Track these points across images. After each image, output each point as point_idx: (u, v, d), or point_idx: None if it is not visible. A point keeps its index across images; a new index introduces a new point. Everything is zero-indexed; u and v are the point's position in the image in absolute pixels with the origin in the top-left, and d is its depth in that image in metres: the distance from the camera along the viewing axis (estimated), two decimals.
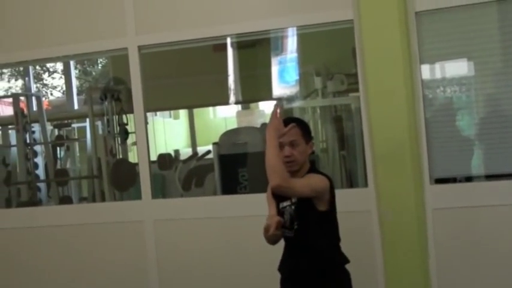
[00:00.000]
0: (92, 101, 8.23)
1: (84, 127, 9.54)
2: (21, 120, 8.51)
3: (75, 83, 10.85)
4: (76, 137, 10.59)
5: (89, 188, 8.58)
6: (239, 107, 13.33)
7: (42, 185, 8.98)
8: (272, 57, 8.07)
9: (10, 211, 7.29)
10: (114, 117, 8.07)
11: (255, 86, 9.07)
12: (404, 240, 5.04)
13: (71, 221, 6.12)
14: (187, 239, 5.78)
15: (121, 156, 8.17)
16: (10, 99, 9.11)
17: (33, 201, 8.47)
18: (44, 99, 11.03)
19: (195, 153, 9.81)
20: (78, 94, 11.00)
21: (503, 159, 5.15)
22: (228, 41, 7.09)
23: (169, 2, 5.82)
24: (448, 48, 5.26)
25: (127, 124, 8.12)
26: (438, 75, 5.39)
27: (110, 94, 8.02)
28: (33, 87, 10.60)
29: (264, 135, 3.72)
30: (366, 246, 5.23)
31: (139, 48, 5.90)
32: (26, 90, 10.22)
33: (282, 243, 4.00)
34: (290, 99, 7.98)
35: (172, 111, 16.01)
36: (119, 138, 8.16)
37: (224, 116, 15.71)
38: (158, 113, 14.03)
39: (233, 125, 12.04)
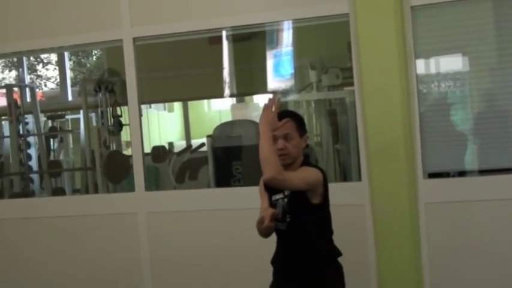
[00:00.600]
0: (86, 92, 8.21)
1: (78, 119, 9.50)
2: (14, 111, 8.49)
3: (69, 74, 10.84)
4: (70, 128, 10.56)
5: (82, 179, 8.56)
6: (234, 100, 13.31)
7: (35, 177, 8.96)
8: (267, 50, 8.06)
9: (3, 202, 7.27)
10: (108, 109, 8.04)
11: (250, 79, 9.06)
12: (397, 234, 5.05)
13: (64, 212, 6.11)
14: (180, 231, 5.78)
15: (115, 148, 8.15)
16: (3, 90, 9.06)
17: (26, 193, 8.45)
18: (37, 90, 10.98)
19: (189, 145, 9.80)
20: (72, 85, 10.99)
21: (497, 154, 5.16)
22: (224, 33, 7.08)
23: None
24: (444, 43, 5.26)
25: (121, 116, 8.10)
26: (433, 70, 5.39)
27: (104, 86, 7.99)
28: (27, 78, 10.57)
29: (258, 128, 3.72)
30: (359, 239, 5.23)
31: (134, 40, 5.88)
32: (20, 81, 10.18)
33: (274, 236, 4.00)
34: (285, 92, 7.98)
35: (166, 104, 15.96)
36: (113, 131, 8.13)
37: (219, 109, 15.67)
38: (152, 105, 13.99)
39: (228, 118, 12.02)
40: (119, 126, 8.12)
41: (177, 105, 15.23)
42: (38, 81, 20.66)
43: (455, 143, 5.29)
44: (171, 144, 9.77)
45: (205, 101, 16.35)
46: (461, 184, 5.20)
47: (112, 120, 8.09)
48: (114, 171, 7.56)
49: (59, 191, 8.65)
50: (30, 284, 6.16)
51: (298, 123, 3.89)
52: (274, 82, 8.24)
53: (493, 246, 5.04)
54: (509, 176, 5.07)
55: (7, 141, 8.86)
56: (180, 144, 10.57)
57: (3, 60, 18.04)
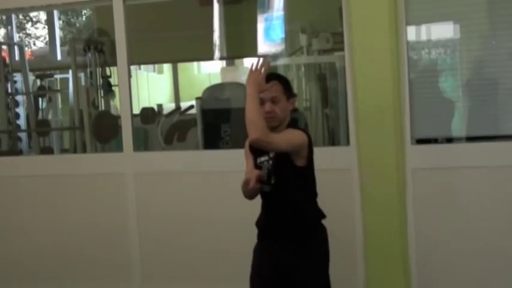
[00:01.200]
0: (75, 52, 8.17)
1: (67, 78, 9.48)
2: (2, 69, 8.45)
3: (58, 33, 10.77)
4: (58, 88, 10.53)
5: (71, 139, 8.57)
6: (224, 63, 13.28)
7: (23, 136, 8.95)
8: (258, 14, 8.04)
9: None
10: (97, 69, 8.01)
11: (241, 42, 9.04)
12: (384, 199, 5.08)
13: (51, 171, 6.10)
14: (167, 192, 5.79)
15: (103, 109, 8.14)
16: None
17: (14, 151, 8.44)
18: (26, 49, 10.93)
19: (178, 107, 9.79)
20: (61, 45, 10.93)
21: (485, 121, 5.17)
22: None
23: None
24: (435, 10, 5.24)
25: (110, 77, 8.07)
26: (424, 37, 5.38)
27: (94, 46, 7.96)
28: (16, 37, 10.50)
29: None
30: (346, 204, 5.26)
31: None
32: (9, 40, 10.12)
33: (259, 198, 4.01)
34: (275, 56, 7.96)
35: (156, 66, 15.92)
36: (102, 91, 8.11)
37: (208, 72, 15.64)
38: (142, 67, 13.95)
39: (217, 81, 12.01)
40: (108, 86, 8.10)
41: (167, 68, 15.19)
42: (27, 40, 20.52)
43: (444, 110, 5.31)
44: (160, 106, 9.76)
45: (195, 64, 16.33)
46: (449, 150, 5.22)
47: (101, 80, 8.07)
48: (103, 131, 7.56)
49: (47, 150, 8.65)
50: (15, 243, 6.17)
51: (285, 86, 3.89)
52: (264, 46, 8.23)
53: (479, 212, 5.07)
54: (497, 143, 5.09)
55: None
56: (169, 107, 10.56)
57: None
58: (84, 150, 7.74)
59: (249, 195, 3.85)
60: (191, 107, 8.15)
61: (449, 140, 5.35)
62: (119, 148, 6.06)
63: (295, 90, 7.44)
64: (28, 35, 21.26)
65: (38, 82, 10.02)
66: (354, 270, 5.28)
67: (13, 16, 10.18)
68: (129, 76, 5.97)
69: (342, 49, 5.39)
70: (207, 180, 5.65)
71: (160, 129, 7.98)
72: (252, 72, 3.67)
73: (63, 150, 9.22)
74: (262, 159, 3.83)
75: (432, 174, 5.11)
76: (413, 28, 5.27)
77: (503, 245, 5.03)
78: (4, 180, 6.20)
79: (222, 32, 8.86)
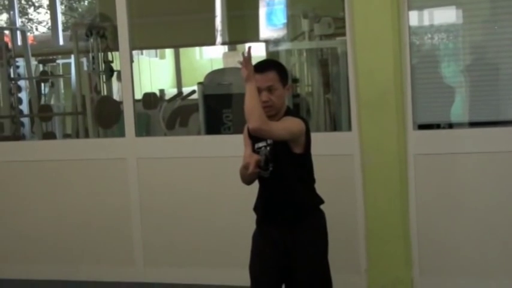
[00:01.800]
0: (77, 37, 8.16)
1: (69, 63, 9.48)
2: (5, 54, 8.44)
3: (60, 18, 10.76)
4: (61, 73, 10.53)
5: (73, 124, 8.56)
6: (226, 48, 13.26)
7: (25, 121, 8.96)
8: None
9: None
10: (99, 54, 8.00)
11: (243, 27, 9.02)
12: (386, 184, 5.09)
13: (54, 156, 6.12)
14: (169, 177, 5.81)
15: (105, 94, 8.14)
16: None
17: (17, 136, 8.45)
18: (29, 34, 10.92)
19: (179, 92, 9.78)
20: (63, 30, 10.93)
21: (487, 107, 5.17)
22: None
23: None
24: None
25: (112, 62, 8.06)
26: (426, 22, 5.37)
27: (96, 31, 7.94)
28: (18, 22, 10.49)
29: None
30: (348, 189, 5.27)
31: None
32: (11, 24, 10.12)
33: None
34: (277, 41, 7.95)
35: (158, 51, 15.91)
36: (104, 76, 8.11)
37: (210, 57, 15.62)
38: (144, 52, 13.94)
39: (219, 66, 11.98)
40: (110, 71, 8.10)
41: (169, 53, 15.18)
42: (29, 25, 20.50)
43: (446, 95, 5.31)
44: (162, 91, 9.75)
45: (197, 49, 16.30)
46: (451, 136, 5.22)
47: (103, 65, 8.06)
48: (105, 116, 7.56)
49: (49, 135, 8.66)
50: (18, 228, 6.19)
51: (281, 73, 3.88)
52: (266, 31, 8.21)
53: (480, 198, 5.09)
54: (499, 129, 5.10)
55: None
56: (171, 92, 10.56)
57: None
58: (86, 136, 7.74)
59: (248, 179, 3.86)
60: (193, 92, 8.14)
61: (451, 126, 5.35)
62: (121, 133, 6.07)
63: (297, 76, 7.44)
64: (30, 20, 21.25)
65: (41, 67, 10.02)
66: (356, 254, 5.30)
67: (15, 1, 10.17)
68: (131, 61, 5.97)
69: (344, 34, 5.39)
70: (209, 165, 5.67)
71: (162, 115, 7.98)
72: (243, 70, 3.65)
73: (66, 136, 9.22)
74: (260, 145, 3.83)
75: (434, 160, 5.12)
76: (416, 13, 5.27)
77: (503, 230, 5.04)
78: (7, 165, 6.21)
79: (224, 17, 8.85)
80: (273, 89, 3.78)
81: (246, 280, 3.93)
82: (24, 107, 8.95)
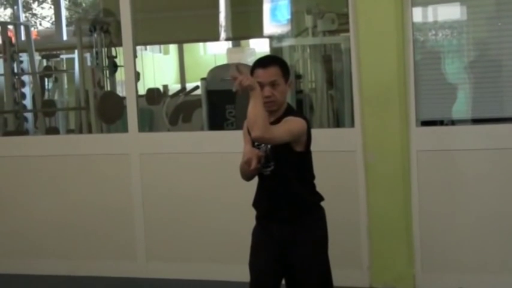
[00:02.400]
0: (81, 32, 8.16)
1: (73, 58, 9.47)
2: (9, 49, 8.45)
3: (64, 13, 10.76)
4: (64, 68, 10.53)
5: (76, 119, 8.57)
6: (229, 44, 13.25)
7: (29, 116, 8.96)
8: None
9: None
10: (103, 49, 8.01)
11: (247, 23, 9.02)
12: (388, 181, 5.09)
13: (57, 151, 6.12)
14: (172, 173, 5.81)
15: (109, 89, 8.14)
16: None
17: (20, 131, 8.46)
18: (32, 29, 10.93)
19: (183, 88, 9.78)
20: (67, 25, 10.92)
21: (490, 103, 5.17)
22: None
23: None
24: None
25: (116, 57, 8.07)
26: (430, 19, 5.37)
27: (99, 26, 7.95)
28: (22, 17, 10.49)
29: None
30: (350, 185, 5.28)
31: None
32: (15, 19, 10.12)
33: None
34: (281, 37, 7.95)
35: (162, 47, 15.92)
36: (107, 71, 8.11)
37: (214, 53, 15.62)
38: (148, 48, 13.95)
39: (223, 62, 11.96)
40: (114, 67, 8.10)
41: (173, 48, 15.18)
42: (33, 20, 20.51)
43: (449, 92, 5.30)
44: (165, 86, 9.75)
45: (200, 45, 16.31)
46: (454, 132, 5.22)
47: (107, 60, 8.07)
48: (108, 111, 7.56)
49: (52, 130, 8.66)
50: (21, 222, 6.20)
51: (284, 68, 3.87)
52: (270, 27, 8.21)
53: (483, 195, 5.09)
54: (502, 126, 5.10)
55: (1, 79, 8.83)
56: (175, 88, 10.56)
57: None
58: (89, 131, 7.74)
59: (248, 175, 3.85)
60: (196, 87, 8.14)
61: (454, 122, 5.34)
62: (124, 129, 6.07)
63: (301, 72, 7.44)
64: (34, 15, 21.25)
65: (44, 62, 10.02)
66: (359, 249, 5.31)
67: None
68: (135, 57, 5.97)
69: (348, 30, 5.39)
70: (212, 161, 5.67)
71: (166, 110, 7.98)
72: (240, 82, 3.61)
73: (69, 131, 9.22)
74: None
75: (437, 156, 5.12)
76: (419, 9, 5.26)
77: (505, 226, 5.04)
78: (10, 160, 6.22)
79: (228, 12, 8.85)
80: (276, 84, 3.77)
81: (248, 275, 3.93)
82: (28, 102, 8.95)
